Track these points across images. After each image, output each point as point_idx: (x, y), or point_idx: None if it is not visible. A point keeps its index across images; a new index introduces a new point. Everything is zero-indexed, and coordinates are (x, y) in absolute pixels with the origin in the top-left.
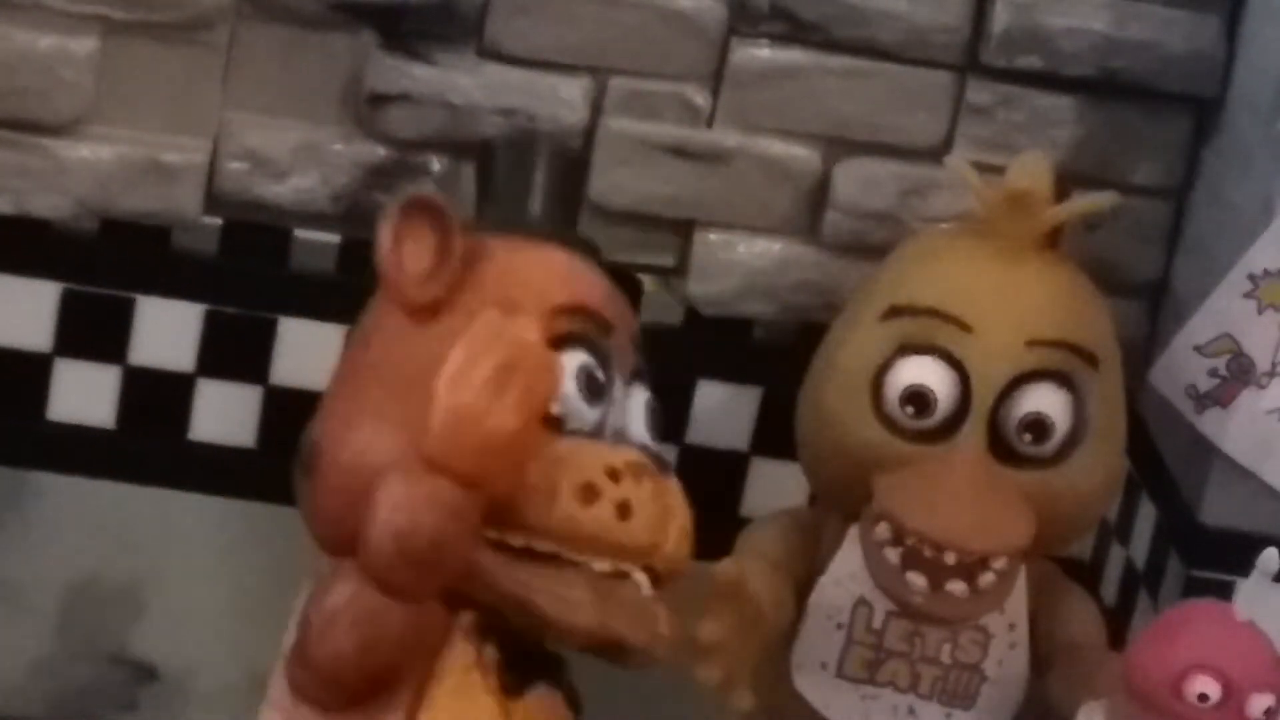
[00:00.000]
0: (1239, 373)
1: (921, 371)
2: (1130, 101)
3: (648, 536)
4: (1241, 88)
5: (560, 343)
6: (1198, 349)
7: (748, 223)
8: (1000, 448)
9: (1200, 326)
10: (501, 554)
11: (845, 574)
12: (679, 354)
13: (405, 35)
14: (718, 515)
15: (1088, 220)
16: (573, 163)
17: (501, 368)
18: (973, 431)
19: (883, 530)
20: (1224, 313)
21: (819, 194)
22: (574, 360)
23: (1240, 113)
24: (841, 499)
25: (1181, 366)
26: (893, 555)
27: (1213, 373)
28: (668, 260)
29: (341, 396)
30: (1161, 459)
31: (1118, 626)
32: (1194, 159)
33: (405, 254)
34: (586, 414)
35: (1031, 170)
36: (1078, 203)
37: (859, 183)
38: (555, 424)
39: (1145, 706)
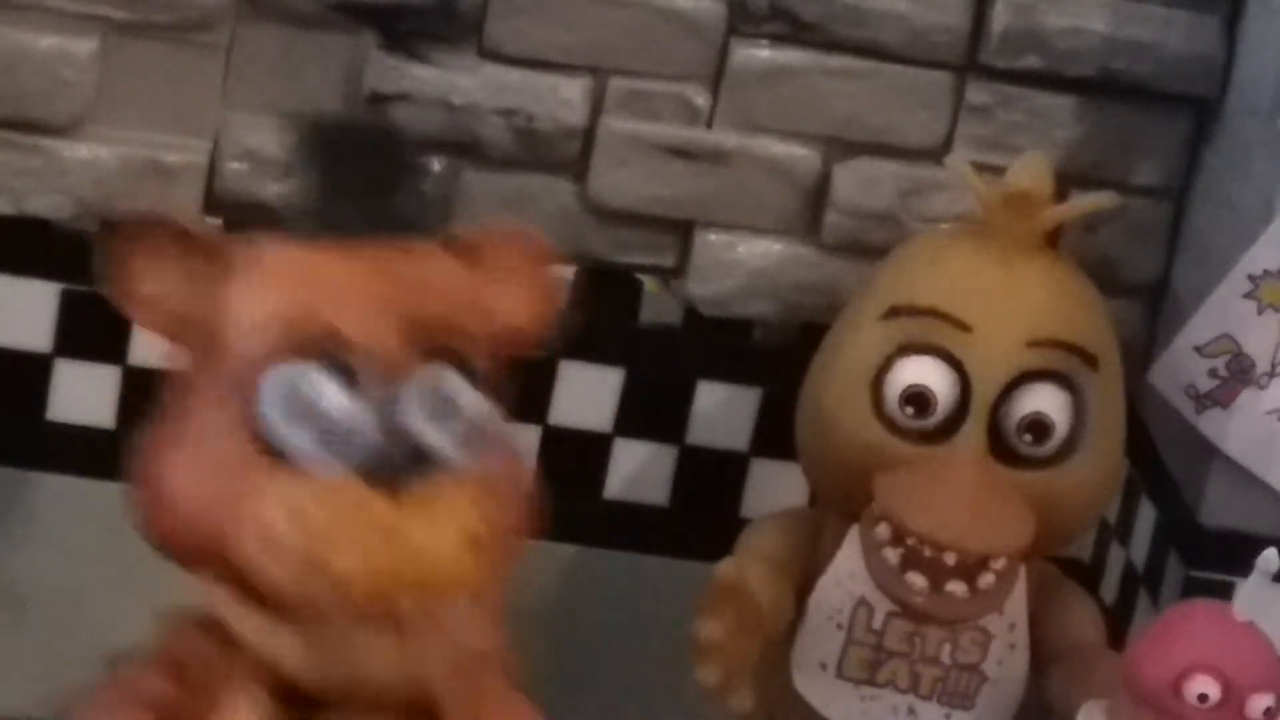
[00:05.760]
0: (1239, 373)
1: (921, 371)
2: (1130, 101)
3: (362, 567)
4: (1241, 88)
5: (266, 363)
6: (1198, 349)
7: (748, 223)
8: (1000, 448)
9: (1200, 327)
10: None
11: (845, 574)
12: (679, 354)
13: (405, 35)
14: (718, 515)
15: (1087, 220)
16: (397, 152)
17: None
18: (972, 432)
19: (883, 530)
20: (1224, 313)
21: (819, 194)
22: (277, 379)
23: (1240, 113)
24: (842, 499)
25: (1181, 367)
26: (893, 555)
27: (1213, 373)
28: (667, 260)
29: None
30: (1161, 459)
31: (1118, 626)
32: (1194, 159)
33: (138, 275)
34: (299, 436)
35: (1031, 170)
36: (1078, 203)
37: (859, 183)
38: (271, 452)
39: (1145, 706)
